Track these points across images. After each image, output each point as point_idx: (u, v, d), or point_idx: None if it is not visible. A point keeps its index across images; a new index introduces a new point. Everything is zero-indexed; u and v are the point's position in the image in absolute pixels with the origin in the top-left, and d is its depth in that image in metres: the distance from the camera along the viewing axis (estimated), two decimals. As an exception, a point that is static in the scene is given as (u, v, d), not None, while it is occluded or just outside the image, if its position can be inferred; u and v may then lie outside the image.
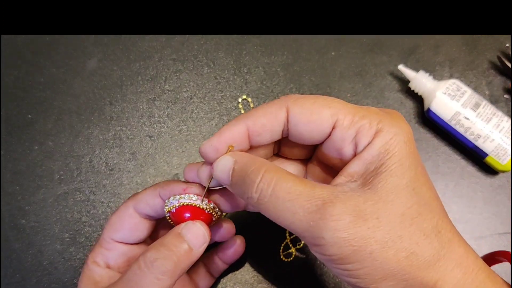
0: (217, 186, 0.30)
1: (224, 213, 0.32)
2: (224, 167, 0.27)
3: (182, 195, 0.30)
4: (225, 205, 0.31)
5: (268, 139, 0.28)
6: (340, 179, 0.25)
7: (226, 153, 0.28)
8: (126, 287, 0.27)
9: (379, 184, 0.24)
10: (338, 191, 0.24)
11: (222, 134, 0.27)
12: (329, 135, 0.26)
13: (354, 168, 0.25)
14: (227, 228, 0.34)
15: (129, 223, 0.32)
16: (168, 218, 0.31)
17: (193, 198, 0.30)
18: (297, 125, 0.26)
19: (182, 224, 0.29)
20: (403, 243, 0.23)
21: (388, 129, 0.25)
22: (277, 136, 0.28)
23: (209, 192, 0.31)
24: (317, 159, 0.30)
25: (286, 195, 0.24)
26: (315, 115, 0.26)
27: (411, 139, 0.25)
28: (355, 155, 0.26)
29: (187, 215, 0.30)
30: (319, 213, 0.23)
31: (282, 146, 0.31)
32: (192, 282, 0.37)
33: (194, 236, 0.28)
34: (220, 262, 0.38)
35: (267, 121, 0.27)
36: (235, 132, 0.27)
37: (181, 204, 0.30)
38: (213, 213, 0.30)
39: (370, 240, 0.23)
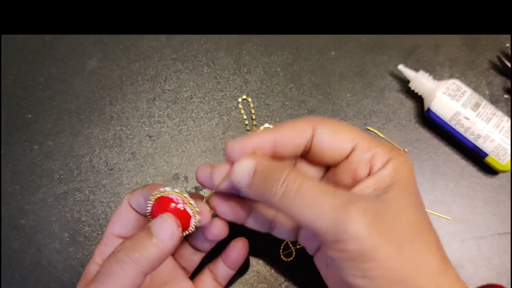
0: (223, 191, 0.31)
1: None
2: (246, 167, 0.28)
3: (156, 192, 0.31)
4: (227, 213, 0.32)
5: (291, 152, 0.30)
6: (354, 191, 0.28)
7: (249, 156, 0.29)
8: (98, 279, 0.28)
9: (389, 198, 0.27)
10: (357, 195, 0.27)
11: (251, 138, 0.29)
12: (347, 157, 0.29)
13: (368, 184, 0.28)
14: (218, 226, 0.34)
15: (125, 217, 0.33)
16: (149, 219, 0.31)
17: (166, 189, 0.30)
18: (321, 142, 0.29)
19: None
20: (414, 250, 0.25)
21: (398, 158, 0.28)
22: (299, 151, 0.30)
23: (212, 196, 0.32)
24: (327, 181, 0.32)
25: (312, 191, 0.26)
26: (339, 136, 0.29)
27: (413, 170, 0.29)
28: (368, 176, 0.28)
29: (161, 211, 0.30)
30: (344, 209, 0.25)
31: (296, 167, 0.33)
32: None
33: (160, 227, 0.29)
34: (225, 267, 0.37)
35: (294, 135, 0.29)
36: (263, 140, 0.29)
37: (156, 197, 0.30)
38: (186, 201, 0.30)
39: (387, 240, 0.25)
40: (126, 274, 0.28)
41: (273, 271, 0.41)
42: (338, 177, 0.30)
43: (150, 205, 0.31)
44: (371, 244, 0.24)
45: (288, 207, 0.26)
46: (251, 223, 0.34)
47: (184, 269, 0.37)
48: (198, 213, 0.31)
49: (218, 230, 0.34)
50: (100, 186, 0.43)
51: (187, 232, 0.31)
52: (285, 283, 0.40)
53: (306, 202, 0.26)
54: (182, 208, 0.30)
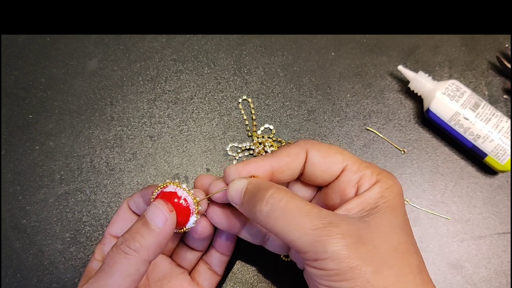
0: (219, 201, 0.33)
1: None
2: (238, 186, 0.30)
3: (159, 185, 0.32)
4: (222, 223, 0.34)
5: (288, 177, 0.31)
6: (339, 211, 0.29)
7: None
8: (103, 269, 0.29)
9: (373, 220, 0.28)
10: (341, 216, 0.28)
11: (248, 164, 0.31)
12: (337, 178, 0.31)
13: (353, 204, 0.29)
14: (203, 225, 0.34)
15: (123, 218, 0.34)
16: None
17: (167, 182, 0.32)
18: (313, 165, 0.31)
19: None
20: (393, 272, 0.26)
21: (386, 181, 0.29)
22: (295, 175, 0.32)
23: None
24: (316, 202, 0.34)
25: (296, 211, 0.27)
26: (330, 158, 0.31)
27: (401, 193, 0.30)
28: (354, 197, 0.29)
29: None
30: (326, 230, 0.26)
31: (288, 187, 0.34)
32: (194, 282, 0.37)
33: (154, 214, 0.30)
34: (217, 254, 0.37)
35: (290, 160, 0.31)
36: (260, 165, 0.30)
37: (155, 195, 0.32)
38: (189, 194, 0.32)
39: (366, 262, 0.26)
40: (130, 263, 0.29)
41: (273, 271, 0.41)
42: (328, 196, 0.32)
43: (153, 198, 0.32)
44: (349, 264, 0.25)
45: (272, 225, 0.27)
46: (244, 235, 0.35)
47: (181, 267, 0.37)
48: (199, 204, 0.32)
49: (202, 229, 0.34)
50: (101, 186, 0.44)
51: (187, 227, 0.32)
52: (285, 282, 0.40)
53: (289, 221, 0.27)
54: (184, 204, 0.31)
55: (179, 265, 0.37)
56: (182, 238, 0.38)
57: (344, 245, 0.25)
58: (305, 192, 0.34)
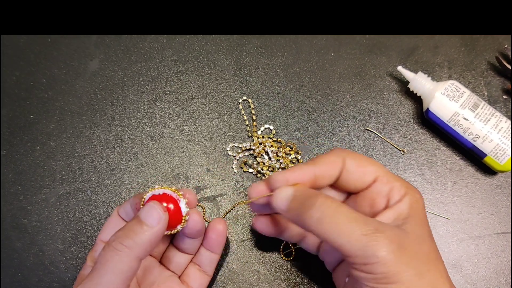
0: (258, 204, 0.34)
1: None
2: (285, 194, 0.31)
3: (145, 196, 0.33)
4: (266, 230, 0.37)
5: (327, 183, 0.33)
6: (378, 219, 0.31)
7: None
8: (96, 268, 0.30)
9: (408, 229, 0.29)
10: (384, 224, 0.29)
11: (295, 171, 0.32)
12: (368, 187, 0.33)
13: (389, 215, 0.31)
14: (194, 218, 0.34)
15: (114, 225, 0.35)
16: None
17: (155, 187, 0.33)
18: (349, 173, 0.33)
19: None
20: (429, 277, 0.28)
21: (413, 194, 0.32)
22: (332, 181, 0.33)
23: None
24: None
25: (345, 218, 0.28)
26: (364, 168, 0.33)
27: (424, 206, 0.32)
28: (385, 208, 0.32)
29: None
30: (374, 236, 0.27)
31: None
32: (184, 285, 0.37)
33: (148, 214, 0.31)
34: (207, 253, 0.37)
35: (330, 168, 0.33)
36: (306, 173, 0.32)
37: (145, 198, 0.33)
38: (176, 193, 0.33)
39: (409, 266, 0.27)
40: (122, 260, 0.29)
41: (273, 270, 0.41)
42: (357, 204, 0.34)
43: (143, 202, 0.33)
44: (396, 268, 0.27)
45: (322, 231, 0.29)
46: (285, 237, 0.37)
47: (170, 271, 0.37)
48: (187, 204, 0.33)
49: (194, 222, 0.34)
50: (102, 186, 0.44)
51: (178, 228, 0.33)
52: (285, 282, 0.41)
53: (340, 227, 0.28)
54: (172, 207, 0.32)
55: (168, 269, 0.37)
56: (171, 241, 0.38)
57: (391, 250, 0.27)
58: (336, 196, 0.36)
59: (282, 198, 0.31)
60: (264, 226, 0.36)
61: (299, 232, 0.37)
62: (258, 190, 0.34)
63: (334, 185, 0.34)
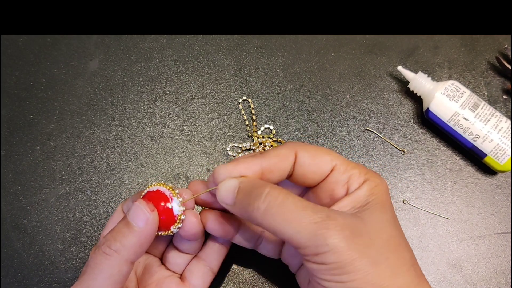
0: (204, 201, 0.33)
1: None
2: (229, 187, 0.30)
3: (143, 192, 0.32)
4: (217, 230, 0.34)
5: (277, 178, 0.31)
6: (333, 208, 0.30)
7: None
8: (86, 272, 0.29)
9: (366, 216, 0.28)
10: (336, 211, 0.28)
11: (238, 164, 0.30)
12: (325, 178, 0.31)
13: (345, 202, 0.30)
14: (191, 220, 0.33)
15: (116, 221, 0.33)
16: None
17: (152, 184, 0.32)
18: (303, 166, 0.31)
19: None
20: (389, 264, 0.27)
21: (373, 179, 0.30)
22: (284, 175, 0.31)
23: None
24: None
25: (293, 207, 0.27)
26: (319, 159, 0.31)
27: (388, 191, 0.31)
28: (345, 196, 0.30)
29: None
30: (324, 224, 0.26)
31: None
32: (185, 283, 0.35)
33: (135, 214, 0.30)
34: (215, 246, 0.36)
35: (279, 161, 0.31)
36: (250, 165, 0.30)
37: (144, 193, 0.32)
38: (169, 189, 0.32)
39: (364, 254, 0.26)
40: (112, 265, 0.29)
41: (272, 270, 0.41)
42: (317, 196, 0.32)
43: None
44: (349, 256, 0.26)
45: (270, 222, 0.27)
46: (238, 240, 0.35)
47: (171, 271, 0.36)
48: (183, 204, 0.32)
49: (191, 224, 0.33)
50: (102, 186, 0.44)
51: (173, 229, 0.32)
52: (285, 282, 0.41)
53: (287, 217, 0.27)
54: (168, 206, 0.31)
55: (168, 269, 0.36)
56: (171, 241, 0.37)
57: (343, 237, 0.26)
58: (294, 191, 0.34)
59: (227, 190, 0.29)
60: (214, 225, 0.33)
61: (253, 232, 0.35)
62: (199, 188, 0.32)
63: (291, 180, 0.33)
